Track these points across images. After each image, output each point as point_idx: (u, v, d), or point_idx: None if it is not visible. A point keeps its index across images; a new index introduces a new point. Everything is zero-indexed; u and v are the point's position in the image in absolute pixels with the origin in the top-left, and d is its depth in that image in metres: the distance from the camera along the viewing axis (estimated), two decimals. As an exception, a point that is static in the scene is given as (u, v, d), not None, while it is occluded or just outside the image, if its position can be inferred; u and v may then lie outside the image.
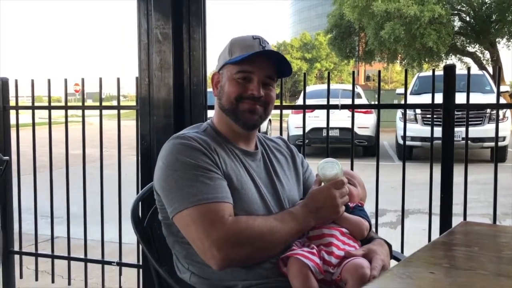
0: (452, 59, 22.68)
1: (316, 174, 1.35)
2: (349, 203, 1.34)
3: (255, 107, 1.33)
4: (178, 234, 1.27)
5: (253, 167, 1.37)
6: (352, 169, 2.47)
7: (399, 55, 20.89)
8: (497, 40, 19.49)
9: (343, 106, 2.27)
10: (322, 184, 1.31)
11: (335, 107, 2.23)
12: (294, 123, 10.05)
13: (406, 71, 2.48)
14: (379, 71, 2.60)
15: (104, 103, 2.63)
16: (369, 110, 10.24)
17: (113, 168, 2.73)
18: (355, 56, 24.43)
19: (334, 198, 1.26)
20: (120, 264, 2.66)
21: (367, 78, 64.04)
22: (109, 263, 2.69)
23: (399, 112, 10.02)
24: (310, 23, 77.29)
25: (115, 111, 2.69)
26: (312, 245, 1.25)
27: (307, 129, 10.18)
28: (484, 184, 4.40)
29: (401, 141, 9.75)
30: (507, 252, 1.09)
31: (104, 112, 2.68)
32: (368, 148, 10.26)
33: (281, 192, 1.37)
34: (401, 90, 12.52)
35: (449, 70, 2.07)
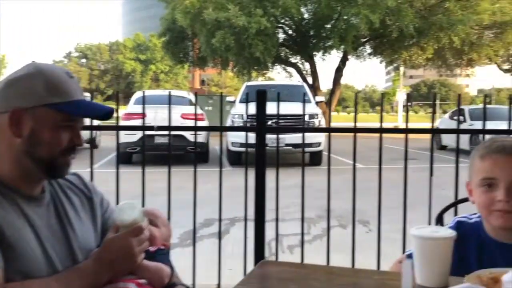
0: (278, 69, 24.56)
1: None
2: (150, 248, 1.25)
3: (72, 159, 1.20)
4: None
5: (38, 215, 1.17)
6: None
7: (231, 63, 21.79)
8: (314, 53, 21.64)
9: (160, 128, 2.21)
10: (121, 230, 1.20)
11: (151, 128, 2.16)
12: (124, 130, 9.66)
13: (221, 95, 2.53)
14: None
15: None
16: (201, 117, 10.44)
17: None
18: (189, 61, 24.72)
19: (131, 248, 1.15)
20: None
21: (202, 82, 65.41)
22: None
23: (229, 120, 10.41)
24: (143, 23, 75.68)
25: None
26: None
27: (138, 137, 9.91)
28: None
29: (231, 147, 10.13)
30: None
31: None
32: (201, 154, 10.41)
33: (73, 241, 1.21)
34: (231, 98, 13.05)
35: (260, 95, 2.16)
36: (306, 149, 9.58)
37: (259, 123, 2.21)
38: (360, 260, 2.83)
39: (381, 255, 2.72)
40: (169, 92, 2.17)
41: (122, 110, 10.86)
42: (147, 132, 9.74)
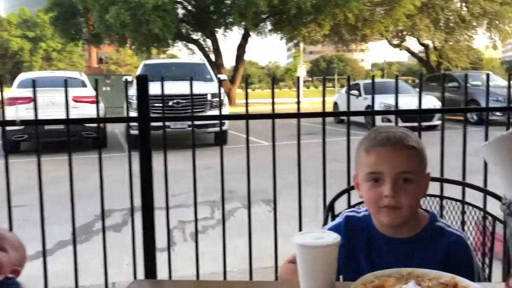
0: (179, 46, 23.93)
1: None
2: None
3: None
4: None
5: None
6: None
7: (128, 40, 20.78)
8: (215, 29, 21.36)
9: (24, 123, 1.92)
10: None
11: (13, 123, 1.87)
12: (10, 116, 8.78)
13: (96, 81, 2.28)
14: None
15: None
16: (95, 99, 9.78)
17: None
18: (83, 38, 23.18)
19: None
20: None
21: (100, 61, 62.08)
22: None
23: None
24: (29, -3, 69.41)
25: None
26: None
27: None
28: (206, 169, 4.56)
29: (130, 131, 9.67)
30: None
31: None
32: (98, 140, 9.81)
33: None
34: (129, 77, 12.41)
35: (142, 82, 1.96)
36: (211, 129, 9.43)
37: (141, 112, 2.01)
38: (263, 241, 2.80)
39: (283, 233, 2.71)
40: (33, 81, 1.87)
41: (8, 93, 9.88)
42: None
